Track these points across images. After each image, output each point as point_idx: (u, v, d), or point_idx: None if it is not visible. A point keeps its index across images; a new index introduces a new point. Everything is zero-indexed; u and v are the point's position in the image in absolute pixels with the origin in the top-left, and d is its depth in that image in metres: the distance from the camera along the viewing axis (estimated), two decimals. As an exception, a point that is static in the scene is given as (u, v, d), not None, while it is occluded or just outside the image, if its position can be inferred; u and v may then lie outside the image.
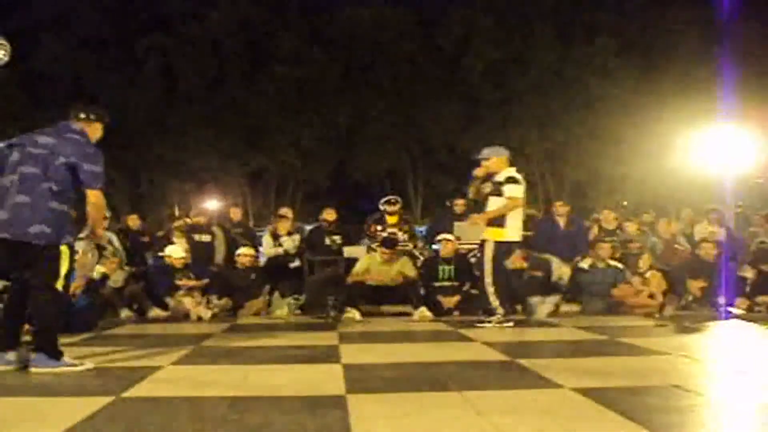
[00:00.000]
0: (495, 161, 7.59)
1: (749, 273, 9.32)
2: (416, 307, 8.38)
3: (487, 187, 7.59)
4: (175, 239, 9.68)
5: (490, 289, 7.31)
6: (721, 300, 8.72)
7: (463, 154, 28.86)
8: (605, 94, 24.81)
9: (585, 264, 9.29)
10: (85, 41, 25.71)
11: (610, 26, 26.06)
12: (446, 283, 8.93)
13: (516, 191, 7.33)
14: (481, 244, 7.70)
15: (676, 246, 10.44)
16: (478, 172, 7.60)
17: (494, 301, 7.28)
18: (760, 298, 8.84)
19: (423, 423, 3.24)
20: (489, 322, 7.17)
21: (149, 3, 27.35)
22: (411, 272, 8.87)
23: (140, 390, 4.00)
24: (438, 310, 8.50)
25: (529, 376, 4.42)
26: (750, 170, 12.26)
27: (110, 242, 9.50)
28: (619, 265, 9.25)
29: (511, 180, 7.35)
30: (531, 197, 27.86)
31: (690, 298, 9.15)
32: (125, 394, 3.85)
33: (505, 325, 7.14)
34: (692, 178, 14.96)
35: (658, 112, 22.11)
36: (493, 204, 7.41)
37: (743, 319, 8.11)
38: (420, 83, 26.82)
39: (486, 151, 7.71)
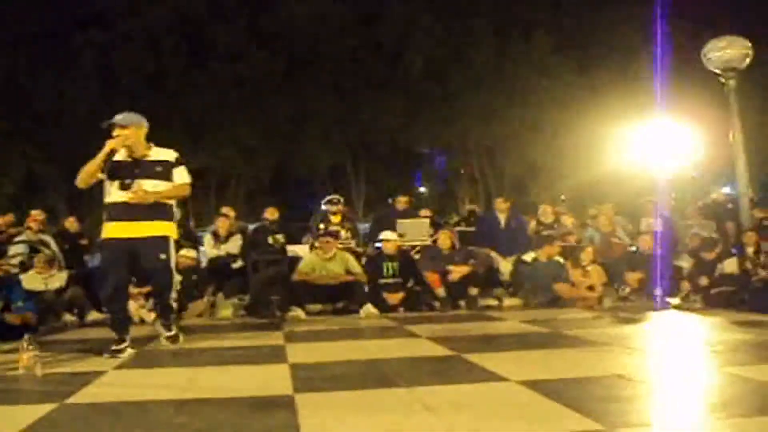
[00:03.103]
0: (134, 132, 5.72)
1: (685, 262, 9.59)
2: (361, 305, 8.40)
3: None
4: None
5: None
6: (658, 291, 8.96)
7: (405, 150, 29.09)
8: (543, 90, 25.18)
9: (528, 258, 9.44)
10: (19, 36, 24.97)
11: (546, 23, 26.45)
12: (390, 280, 8.98)
13: (188, 177, 5.89)
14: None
15: (613, 239, 10.68)
16: (115, 143, 5.59)
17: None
18: (701, 280, 9.07)
19: (372, 420, 3.27)
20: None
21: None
22: (357, 269, 8.89)
23: (84, 396, 3.93)
24: (383, 307, 8.55)
25: (476, 370, 4.48)
26: (684, 164, 12.61)
27: (47, 245, 9.29)
28: (560, 260, 9.43)
29: (182, 162, 5.84)
30: (472, 193, 28.32)
31: (628, 289, 9.38)
32: (69, 401, 3.78)
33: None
34: (629, 171, 15.31)
35: (596, 107, 22.52)
36: (153, 188, 5.60)
37: (679, 309, 8.36)
38: (361, 79, 26.79)
39: (123, 117, 5.76)
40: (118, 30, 25.99)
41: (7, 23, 24.50)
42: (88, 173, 5.56)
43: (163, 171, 5.65)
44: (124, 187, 5.52)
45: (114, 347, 5.39)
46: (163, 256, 5.53)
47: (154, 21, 26.26)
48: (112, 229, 5.56)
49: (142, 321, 8.11)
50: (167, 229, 5.69)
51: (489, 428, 3.09)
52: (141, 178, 5.53)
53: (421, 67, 26.26)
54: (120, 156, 5.61)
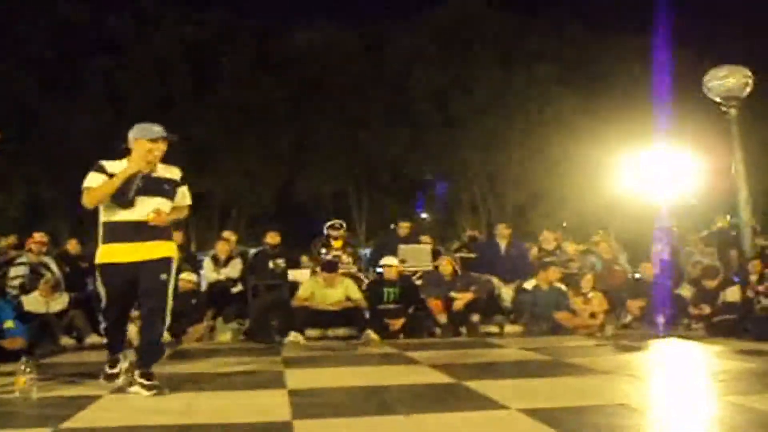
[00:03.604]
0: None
1: (687, 291, 9.56)
2: (362, 330, 8.36)
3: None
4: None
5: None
6: (660, 319, 8.92)
7: (407, 176, 29.14)
8: (545, 118, 25.30)
9: (528, 285, 9.41)
10: (28, 60, 25.14)
11: (549, 53, 26.61)
12: (391, 306, 8.95)
13: (189, 198, 5.43)
14: None
15: (615, 267, 10.66)
16: (146, 165, 4.99)
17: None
18: (695, 310, 9.05)
19: (370, 447, 3.23)
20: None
21: (94, 24, 26.90)
22: (356, 295, 8.86)
23: (80, 420, 3.90)
24: (384, 333, 8.50)
25: (476, 397, 4.44)
26: (684, 192, 12.59)
27: (48, 267, 9.28)
28: (562, 287, 9.40)
29: (186, 181, 5.36)
30: (474, 219, 28.29)
31: (629, 317, 9.34)
32: (64, 425, 3.75)
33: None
34: (630, 199, 15.31)
35: (598, 135, 22.56)
36: (159, 206, 5.02)
37: (681, 337, 8.31)
38: (365, 107, 26.93)
39: (161, 129, 5.18)
40: (126, 56, 26.21)
41: (17, 47, 24.70)
42: (104, 194, 4.86)
43: (170, 190, 5.15)
44: (128, 205, 4.90)
45: (109, 371, 5.11)
46: (163, 276, 5.06)
47: (162, 47, 26.47)
48: (114, 252, 4.93)
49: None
50: (171, 249, 5.15)
51: (488, 456, 3.05)
52: (148, 195, 4.95)
53: (424, 96, 26.40)
54: (119, 169, 4.98)
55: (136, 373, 4.80)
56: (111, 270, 4.96)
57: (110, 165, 4.96)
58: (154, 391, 4.64)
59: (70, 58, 25.70)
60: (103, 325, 5.29)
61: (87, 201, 4.95)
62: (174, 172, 5.25)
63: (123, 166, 4.92)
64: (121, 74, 25.90)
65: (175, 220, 5.25)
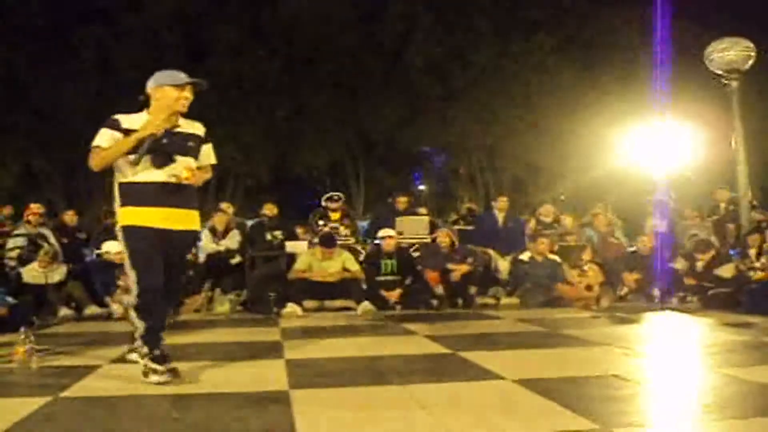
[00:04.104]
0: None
1: (680, 264, 9.60)
2: (359, 302, 8.40)
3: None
4: (117, 235, 9.52)
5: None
6: (656, 292, 8.98)
7: (404, 149, 29.07)
8: (544, 90, 25.17)
9: (524, 257, 9.46)
10: (19, 30, 24.92)
11: (548, 23, 26.42)
12: (389, 278, 9.00)
13: (214, 156, 4.76)
14: None
15: (611, 239, 10.69)
16: (169, 122, 4.35)
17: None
18: (689, 281, 9.10)
19: (366, 417, 3.26)
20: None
21: (85, -7, 26.66)
22: (354, 267, 8.89)
23: (79, 389, 3.93)
24: (381, 305, 8.55)
25: (471, 368, 4.48)
26: (682, 166, 12.59)
27: (45, 239, 9.29)
28: (557, 259, 9.44)
29: (210, 138, 4.76)
30: (471, 192, 28.30)
31: (625, 290, 9.39)
32: (64, 394, 3.78)
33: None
34: (629, 172, 15.30)
35: (597, 107, 22.50)
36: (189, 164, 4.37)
37: (676, 309, 8.35)
38: (361, 78, 26.78)
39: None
40: (118, 26, 25.99)
41: (6, 17, 24.47)
42: (115, 155, 4.21)
43: (195, 147, 4.46)
44: (160, 164, 4.24)
45: (152, 364, 4.11)
46: (190, 255, 4.74)
47: (155, 17, 26.25)
48: (141, 215, 4.23)
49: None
50: (199, 221, 4.56)
51: (483, 426, 3.08)
52: (174, 153, 4.31)
53: (421, 67, 26.24)
54: (137, 125, 4.31)
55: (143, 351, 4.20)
56: (139, 232, 4.22)
57: (126, 119, 4.29)
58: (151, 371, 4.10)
59: (61, 27, 25.49)
60: (136, 301, 4.21)
61: (94, 163, 4.28)
62: (197, 128, 4.59)
63: (142, 120, 4.27)
64: (112, 44, 25.72)
65: (201, 182, 4.56)
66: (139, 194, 4.24)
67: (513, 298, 9.31)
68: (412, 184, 31.21)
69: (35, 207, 9.73)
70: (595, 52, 25.80)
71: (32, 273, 8.37)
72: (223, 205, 10.88)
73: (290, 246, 9.91)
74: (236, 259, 9.77)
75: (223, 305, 8.71)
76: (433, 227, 10.58)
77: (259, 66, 26.07)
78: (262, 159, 27.71)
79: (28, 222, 9.50)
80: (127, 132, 4.22)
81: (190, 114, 4.31)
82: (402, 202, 11.04)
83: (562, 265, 9.31)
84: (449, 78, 26.22)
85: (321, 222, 10.09)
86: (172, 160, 4.26)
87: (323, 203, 10.43)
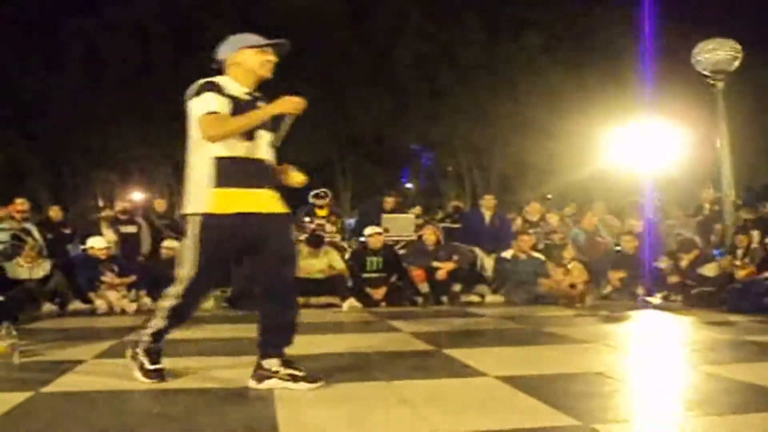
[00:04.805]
0: None
1: (665, 263, 9.66)
2: (344, 299, 8.41)
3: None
4: (103, 230, 9.52)
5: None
6: (640, 290, 9.04)
7: (392, 146, 29.07)
8: (532, 89, 25.24)
9: (507, 254, 9.50)
10: (5, 23, 24.76)
11: (537, 21, 26.49)
12: (374, 275, 9.01)
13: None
14: None
15: (597, 238, 10.73)
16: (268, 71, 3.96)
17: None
18: (672, 279, 9.15)
19: (349, 412, 3.27)
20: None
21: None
22: (339, 264, 8.91)
23: (61, 384, 3.92)
24: (366, 302, 8.56)
25: (454, 365, 4.49)
26: (668, 165, 12.67)
27: (30, 233, 9.24)
28: (541, 257, 9.49)
29: None
30: (459, 190, 28.35)
31: (610, 288, 9.44)
32: (45, 389, 3.76)
33: None
34: (616, 171, 15.38)
35: (584, 106, 22.58)
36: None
37: (660, 308, 8.40)
38: (349, 74, 26.77)
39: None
40: (106, 19, 25.84)
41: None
42: (249, 124, 3.70)
43: (278, 122, 3.92)
44: (252, 137, 3.77)
45: (151, 365, 3.88)
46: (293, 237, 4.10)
47: (143, 10, 26.11)
48: (234, 199, 3.67)
49: (123, 312, 8.11)
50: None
51: (465, 422, 3.09)
52: (262, 128, 3.83)
53: (410, 64, 26.25)
54: (235, 91, 3.77)
55: (273, 362, 3.83)
56: (222, 223, 3.66)
57: (226, 84, 3.75)
58: (319, 382, 3.76)
59: (49, 20, 25.34)
60: (172, 303, 3.82)
61: (219, 131, 3.62)
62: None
63: (237, 88, 3.77)
64: (100, 38, 25.57)
65: None
66: (245, 173, 3.72)
67: (497, 296, 9.35)
68: (399, 181, 31.20)
69: (20, 202, 9.68)
70: (584, 52, 25.89)
71: (16, 268, 8.33)
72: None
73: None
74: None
75: (208, 301, 8.69)
76: (422, 226, 10.61)
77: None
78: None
79: (12, 217, 9.44)
80: (232, 98, 3.70)
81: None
82: (389, 202, 11.05)
83: (547, 263, 9.35)
84: (437, 75, 26.24)
85: (307, 219, 10.08)
86: (257, 136, 3.80)
87: (310, 200, 10.42)
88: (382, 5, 27.33)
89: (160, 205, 11.48)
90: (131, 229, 10.00)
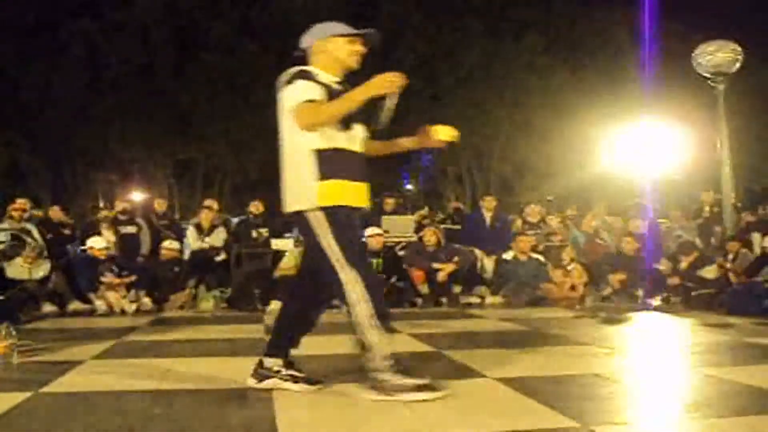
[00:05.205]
0: None
1: (664, 266, 9.65)
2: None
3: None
4: (103, 231, 9.52)
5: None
6: (640, 292, 9.03)
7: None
8: (533, 90, 25.27)
9: (507, 256, 9.50)
10: (7, 24, 24.78)
11: (538, 23, 26.52)
12: (374, 276, 8.98)
13: None
14: None
15: (597, 240, 10.73)
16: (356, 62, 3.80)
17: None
18: (672, 281, 9.14)
19: (348, 414, 3.27)
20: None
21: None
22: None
23: (60, 385, 3.91)
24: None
25: (454, 366, 4.49)
26: (668, 167, 12.68)
27: (29, 234, 9.23)
28: (541, 258, 9.48)
29: None
30: (459, 191, 28.35)
31: (610, 290, 9.43)
32: (44, 389, 3.75)
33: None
34: (616, 173, 15.41)
35: (585, 108, 22.62)
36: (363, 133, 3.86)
37: (660, 310, 8.40)
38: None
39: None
40: (107, 20, 25.86)
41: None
42: (347, 109, 3.49)
43: (369, 111, 3.70)
44: (349, 127, 3.62)
45: (405, 380, 3.46)
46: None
47: (145, 11, 26.13)
48: (348, 191, 3.54)
49: (123, 312, 8.11)
50: None
51: (465, 424, 3.09)
52: (356, 121, 3.68)
53: (411, 65, 26.27)
54: (326, 80, 3.59)
55: (276, 362, 3.72)
56: (341, 212, 3.50)
57: (316, 71, 3.59)
58: (318, 385, 3.73)
59: (50, 22, 25.36)
60: (365, 311, 3.54)
61: (318, 119, 3.44)
62: None
63: (326, 75, 3.61)
64: (102, 39, 25.59)
65: None
66: (346, 165, 3.57)
67: (497, 297, 9.34)
68: (399, 182, 31.19)
69: (20, 202, 9.67)
70: (584, 54, 25.92)
71: (16, 268, 8.32)
72: (208, 202, 10.87)
73: (276, 243, 9.91)
74: (221, 256, 9.76)
75: (208, 302, 8.71)
76: (422, 227, 10.60)
77: (249, 62, 26.00)
78: (251, 156, 27.66)
79: (12, 217, 9.43)
80: (325, 86, 3.53)
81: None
82: (389, 203, 11.04)
83: (547, 264, 9.34)
84: (438, 77, 26.25)
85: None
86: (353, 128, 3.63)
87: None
88: (383, 7, 27.38)
89: (160, 205, 11.48)
90: (131, 229, 10.00)
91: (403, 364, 3.52)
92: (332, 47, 3.66)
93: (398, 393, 3.38)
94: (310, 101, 3.41)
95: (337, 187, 3.48)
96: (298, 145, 3.51)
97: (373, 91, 3.45)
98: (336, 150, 3.52)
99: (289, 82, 3.51)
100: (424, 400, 3.36)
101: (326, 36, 3.70)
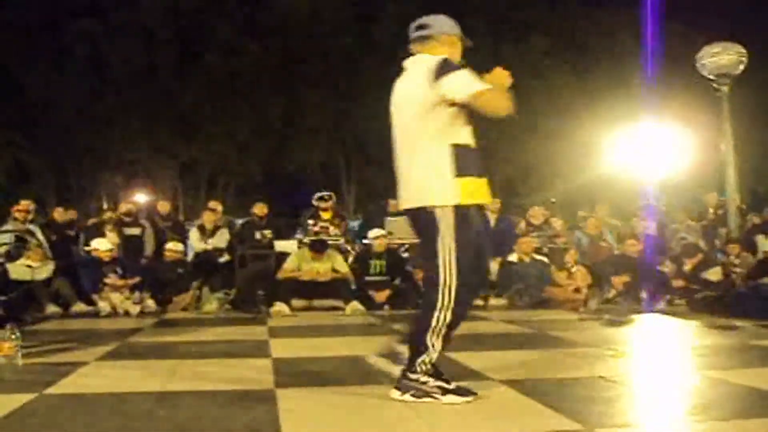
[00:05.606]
0: None
1: (668, 267, 9.63)
2: (347, 302, 8.40)
3: None
4: (107, 232, 9.53)
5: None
6: (644, 294, 9.00)
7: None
8: (537, 92, 25.28)
9: (513, 258, 9.49)
10: (10, 25, 24.82)
11: (541, 25, 26.52)
12: (377, 278, 9.00)
13: None
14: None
15: (601, 243, 10.71)
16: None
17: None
18: (679, 282, 9.13)
19: (352, 416, 3.27)
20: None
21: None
22: (343, 268, 8.90)
23: (64, 386, 3.92)
24: (369, 305, 8.55)
25: (458, 368, 4.47)
26: (672, 169, 12.65)
27: (33, 235, 9.24)
28: (545, 259, 9.47)
29: None
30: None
31: (613, 292, 9.42)
32: (48, 391, 3.76)
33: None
34: (620, 175, 15.38)
35: (589, 109, 22.62)
36: None
37: (663, 312, 8.38)
38: (355, 77, 26.80)
39: None
40: (111, 21, 25.90)
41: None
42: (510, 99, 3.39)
43: None
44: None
45: (446, 383, 3.45)
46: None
47: (149, 12, 26.17)
48: (473, 189, 3.46)
49: (127, 314, 8.12)
50: None
51: (469, 426, 3.09)
52: None
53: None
54: None
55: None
56: (470, 213, 3.41)
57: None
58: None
59: (54, 23, 25.40)
60: (442, 318, 3.40)
61: (505, 104, 3.37)
62: None
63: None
64: (105, 40, 25.63)
65: None
66: (476, 160, 3.49)
67: (501, 299, 9.32)
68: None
69: (24, 203, 9.68)
70: (588, 55, 25.91)
71: (19, 269, 8.33)
72: (212, 204, 10.88)
73: (279, 245, 9.91)
74: (225, 258, 9.77)
75: (211, 304, 8.70)
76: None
77: (253, 63, 26.03)
78: (255, 157, 27.69)
79: (16, 218, 9.45)
80: None
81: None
82: (393, 205, 11.04)
83: (550, 266, 9.34)
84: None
85: (311, 221, 10.08)
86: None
87: (314, 202, 10.42)
88: (387, 9, 27.38)
89: (163, 206, 11.48)
90: (135, 230, 10.00)
91: (441, 371, 3.48)
92: (453, 44, 3.71)
93: (434, 396, 3.37)
94: (485, 90, 3.31)
95: (473, 184, 3.42)
96: (435, 139, 3.41)
97: (508, 83, 3.42)
98: (467, 146, 3.48)
99: (446, 71, 3.37)
100: (456, 404, 3.34)
101: (454, 32, 3.77)
